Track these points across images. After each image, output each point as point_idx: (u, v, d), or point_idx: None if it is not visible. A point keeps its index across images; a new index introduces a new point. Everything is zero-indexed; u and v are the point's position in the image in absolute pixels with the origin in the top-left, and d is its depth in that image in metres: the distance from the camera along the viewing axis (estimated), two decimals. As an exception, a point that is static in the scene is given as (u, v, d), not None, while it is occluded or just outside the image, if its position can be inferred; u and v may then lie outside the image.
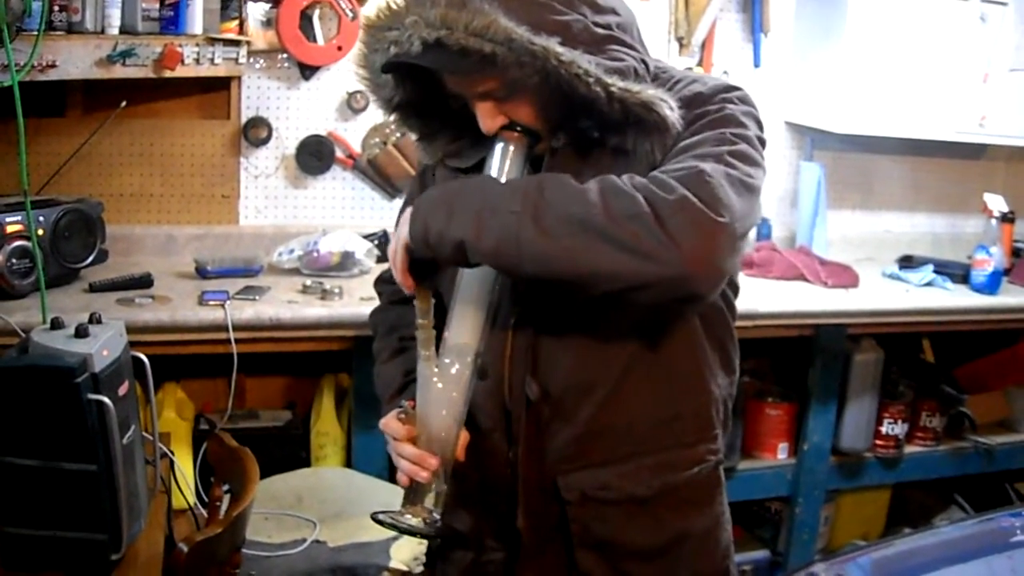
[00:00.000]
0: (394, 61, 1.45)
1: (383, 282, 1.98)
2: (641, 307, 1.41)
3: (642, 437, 1.61)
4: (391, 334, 1.86)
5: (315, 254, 2.99)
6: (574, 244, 1.32)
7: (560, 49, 1.38)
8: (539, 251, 1.33)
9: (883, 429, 3.50)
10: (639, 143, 1.48)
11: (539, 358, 1.58)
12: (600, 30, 1.45)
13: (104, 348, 1.85)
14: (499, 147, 1.52)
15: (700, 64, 3.66)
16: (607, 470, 1.61)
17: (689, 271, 1.31)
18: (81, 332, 1.85)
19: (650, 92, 1.44)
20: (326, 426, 2.92)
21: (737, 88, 1.53)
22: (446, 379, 1.50)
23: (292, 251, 3.03)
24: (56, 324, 1.90)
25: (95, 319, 1.92)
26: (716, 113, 1.49)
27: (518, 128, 1.51)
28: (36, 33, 2.35)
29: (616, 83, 1.41)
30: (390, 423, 1.57)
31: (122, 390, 1.90)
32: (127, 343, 1.96)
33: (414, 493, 1.51)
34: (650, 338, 1.57)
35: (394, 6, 1.46)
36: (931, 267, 3.56)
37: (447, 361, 1.50)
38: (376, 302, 1.99)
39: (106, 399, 1.79)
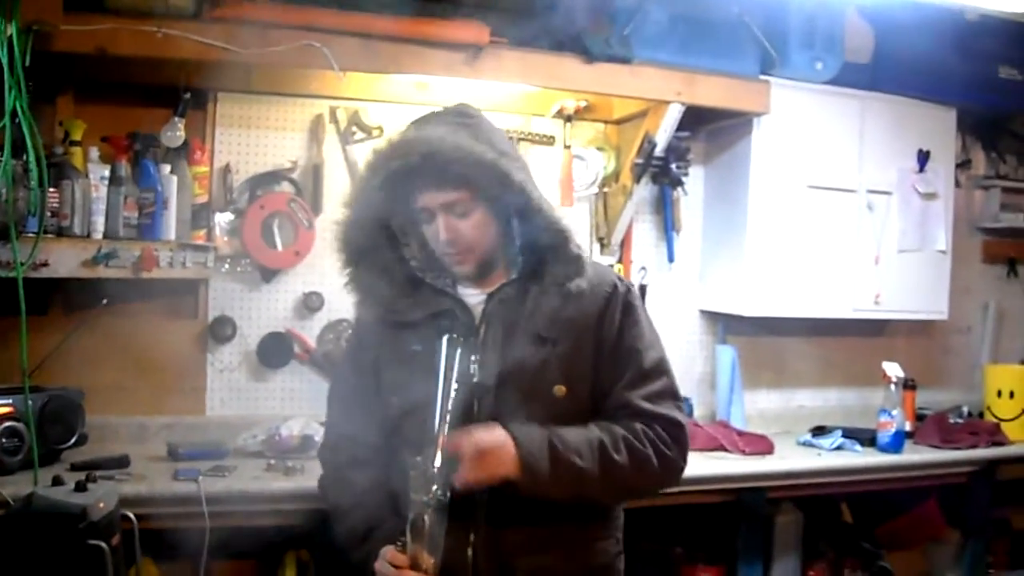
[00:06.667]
0: (397, 168, 1.88)
1: (328, 449, 2.21)
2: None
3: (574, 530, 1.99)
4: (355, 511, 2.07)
5: (277, 437, 3.20)
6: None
7: (515, 173, 1.88)
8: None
9: (810, 586, 3.69)
10: (560, 273, 1.94)
11: None
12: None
13: (100, 501, 2.10)
14: (446, 346, 1.89)
15: (620, 261, 3.98)
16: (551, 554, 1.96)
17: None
18: (80, 487, 2.10)
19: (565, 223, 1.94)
20: (290, 595, 3.07)
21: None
22: (432, 515, 1.81)
23: (256, 436, 3.24)
24: (57, 481, 2.15)
25: (91, 478, 2.17)
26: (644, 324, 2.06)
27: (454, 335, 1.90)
28: (34, 235, 2.67)
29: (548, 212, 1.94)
30: (396, 556, 1.85)
31: (115, 540, 2.13)
32: (118, 500, 2.20)
33: None
34: None
35: (398, 136, 1.93)
36: (840, 432, 3.83)
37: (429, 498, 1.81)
38: None
39: (103, 544, 2.02)
